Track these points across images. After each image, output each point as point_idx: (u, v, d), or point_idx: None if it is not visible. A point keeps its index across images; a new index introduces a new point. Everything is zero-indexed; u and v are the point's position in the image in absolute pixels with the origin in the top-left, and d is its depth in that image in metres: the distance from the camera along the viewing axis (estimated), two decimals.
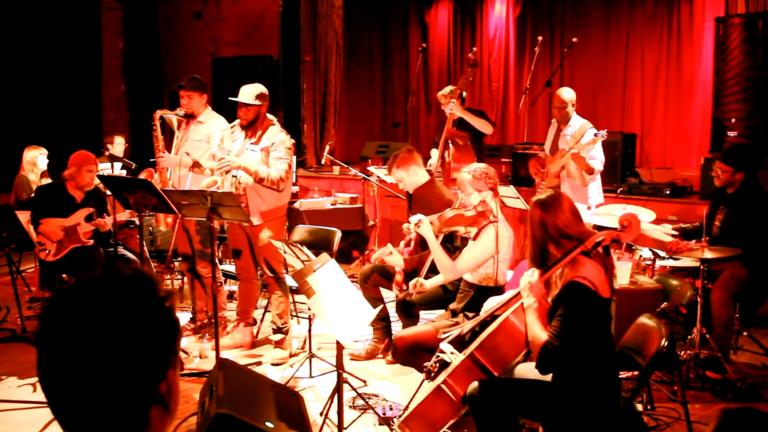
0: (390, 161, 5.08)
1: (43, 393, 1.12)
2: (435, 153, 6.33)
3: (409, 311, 4.61)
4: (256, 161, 4.84)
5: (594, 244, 2.80)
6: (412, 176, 4.97)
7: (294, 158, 7.11)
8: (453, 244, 4.61)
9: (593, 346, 2.81)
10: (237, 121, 4.96)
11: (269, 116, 5.02)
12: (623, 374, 3.63)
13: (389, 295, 5.10)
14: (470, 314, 3.96)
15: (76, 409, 1.10)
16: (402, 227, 4.67)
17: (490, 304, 3.44)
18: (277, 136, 4.90)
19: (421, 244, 4.59)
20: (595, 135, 5.38)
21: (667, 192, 6.61)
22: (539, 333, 2.82)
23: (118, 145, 7.48)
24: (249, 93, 4.88)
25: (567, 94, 5.86)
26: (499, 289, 4.05)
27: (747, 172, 4.75)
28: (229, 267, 5.94)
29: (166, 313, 1.15)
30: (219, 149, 4.98)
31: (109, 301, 1.11)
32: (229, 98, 4.95)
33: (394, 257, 4.72)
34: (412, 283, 4.48)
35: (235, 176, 4.90)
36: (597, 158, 5.64)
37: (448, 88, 6.32)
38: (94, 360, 1.07)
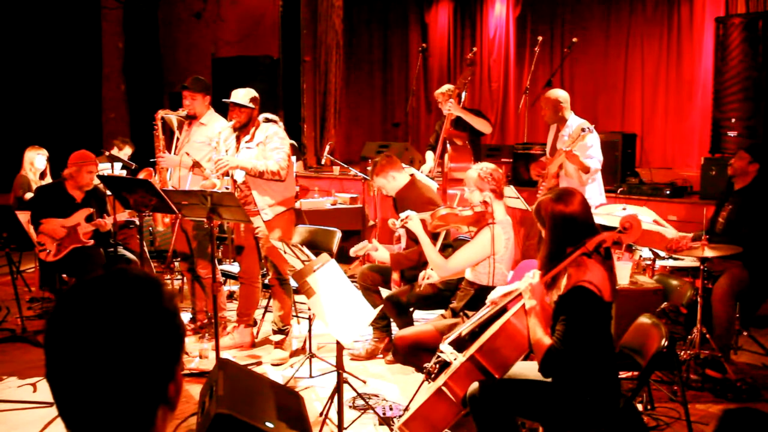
0: (371, 170, 5.12)
1: (51, 393, 1.12)
2: (430, 156, 6.33)
3: (401, 309, 4.63)
4: (253, 157, 4.86)
5: (595, 246, 2.79)
6: (392, 182, 5.01)
7: (294, 158, 7.11)
8: (442, 244, 4.62)
9: (595, 347, 2.81)
10: (230, 123, 4.98)
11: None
12: (623, 374, 3.63)
13: None
14: (470, 313, 3.97)
15: (84, 409, 1.10)
16: (388, 223, 4.70)
17: (497, 294, 3.41)
18: (269, 129, 4.95)
19: (415, 240, 4.59)
20: (583, 130, 5.30)
21: (667, 192, 6.61)
22: (542, 336, 2.80)
23: (124, 154, 7.46)
24: (243, 96, 4.91)
25: (554, 94, 5.76)
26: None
27: (762, 165, 4.75)
28: (229, 267, 5.94)
29: (172, 313, 1.16)
30: (215, 152, 5.00)
31: (117, 301, 1.11)
32: (223, 100, 4.98)
33: (380, 252, 4.74)
34: (421, 275, 4.49)
35: (235, 180, 4.91)
36: (594, 157, 5.61)
37: (445, 87, 6.32)
38: (103, 360, 1.08)
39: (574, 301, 2.76)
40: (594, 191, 5.74)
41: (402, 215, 4.35)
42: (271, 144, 4.88)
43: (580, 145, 5.45)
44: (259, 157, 4.86)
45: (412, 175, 5.18)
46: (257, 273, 5.26)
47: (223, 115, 5.41)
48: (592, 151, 5.60)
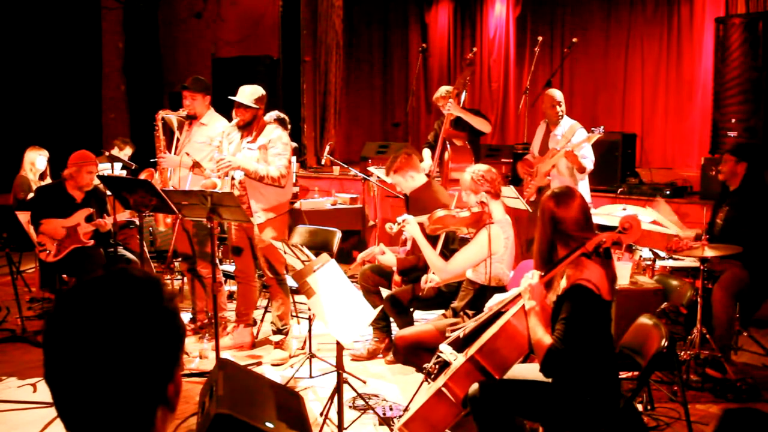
0: (387, 164, 5.08)
1: (50, 393, 1.12)
2: (427, 154, 6.34)
3: (401, 309, 4.63)
4: (254, 160, 4.86)
5: (595, 246, 2.79)
6: (409, 181, 4.98)
7: (294, 158, 7.11)
8: (449, 248, 4.62)
9: (595, 347, 2.81)
10: (234, 121, 4.97)
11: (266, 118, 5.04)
12: (623, 374, 3.63)
13: None
14: (471, 312, 3.97)
15: (83, 410, 1.10)
16: (385, 227, 4.69)
17: (495, 301, 3.44)
18: (273, 132, 4.92)
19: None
20: (592, 131, 5.42)
21: (667, 192, 6.61)
22: (543, 336, 2.80)
23: (125, 154, 7.46)
24: (248, 95, 4.89)
25: (559, 93, 5.97)
26: (499, 290, 4.06)
27: (749, 163, 4.75)
28: (230, 267, 5.94)
29: (172, 314, 1.16)
30: (217, 152, 5.00)
31: (117, 301, 1.11)
32: (229, 97, 4.96)
33: (387, 256, 4.74)
34: (423, 279, 4.49)
35: (234, 178, 4.91)
36: (588, 157, 5.70)
37: (443, 89, 6.32)
38: (101, 360, 1.07)
39: (573, 300, 2.76)
40: (582, 190, 5.79)
41: (399, 219, 4.34)
42: (274, 149, 4.88)
43: (572, 145, 5.53)
44: (261, 160, 4.86)
45: (429, 176, 5.17)
46: (253, 272, 5.26)
47: (223, 114, 5.41)
48: (585, 151, 5.68)
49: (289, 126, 5.70)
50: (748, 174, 4.76)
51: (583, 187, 5.83)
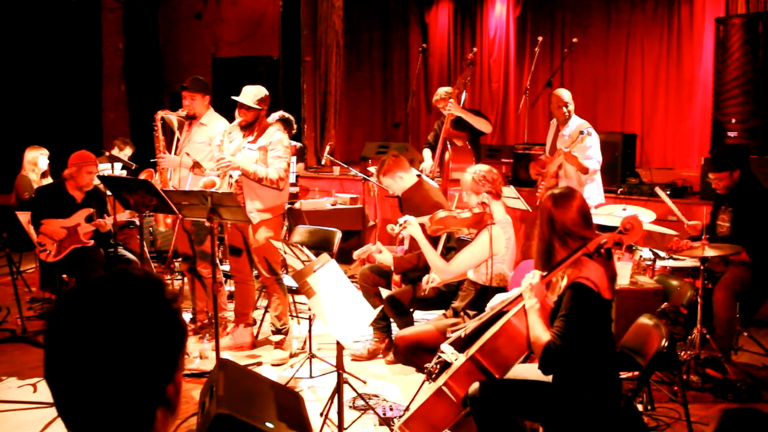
0: (377, 169, 5.10)
1: (50, 392, 1.12)
2: (428, 154, 6.34)
3: (401, 310, 4.63)
4: (253, 160, 4.86)
5: (596, 247, 2.80)
6: (399, 182, 4.99)
7: (294, 158, 7.11)
8: (445, 246, 4.62)
9: (595, 346, 2.81)
10: (237, 121, 4.97)
11: (270, 120, 5.04)
12: (623, 374, 3.63)
13: None
14: (472, 313, 3.97)
15: (83, 409, 1.10)
16: (387, 228, 4.70)
17: (497, 301, 3.44)
18: (274, 135, 4.93)
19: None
20: (581, 133, 5.40)
21: (668, 192, 6.60)
22: (541, 334, 2.81)
23: (125, 155, 7.46)
24: (251, 96, 4.89)
25: (567, 93, 5.94)
26: (500, 290, 4.06)
27: (741, 168, 4.75)
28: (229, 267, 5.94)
29: (173, 315, 1.16)
30: (218, 151, 5.00)
31: (118, 302, 1.11)
32: (232, 97, 4.97)
33: (384, 255, 4.74)
34: (425, 279, 4.50)
35: (231, 176, 4.91)
36: (593, 158, 5.67)
37: (442, 90, 6.32)
38: (102, 361, 1.08)
39: (572, 298, 2.77)
40: (593, 191, 5.77)
41: (400, 220, 4.34)
42: (274, 152, 4.88)
43: (580, 146, 5.49)
44: (260, 161, 4.86)
45: (419, 176, 5.19)
46: (250, 271, 5.27)
47: (224, 114, 5.41)
48: (591, 151, 5.65)
49: (295, 126, 5.70)
50: (741, 176, 4.76)
51: (594, 188, 5.80)
